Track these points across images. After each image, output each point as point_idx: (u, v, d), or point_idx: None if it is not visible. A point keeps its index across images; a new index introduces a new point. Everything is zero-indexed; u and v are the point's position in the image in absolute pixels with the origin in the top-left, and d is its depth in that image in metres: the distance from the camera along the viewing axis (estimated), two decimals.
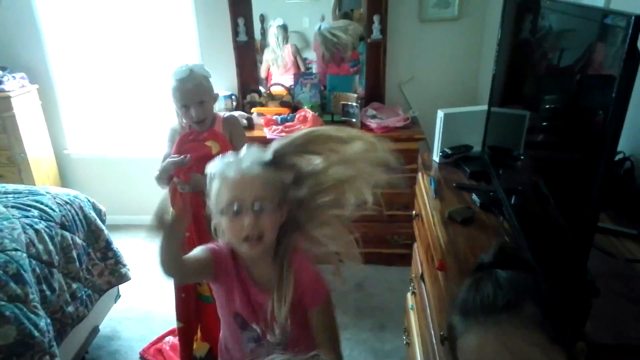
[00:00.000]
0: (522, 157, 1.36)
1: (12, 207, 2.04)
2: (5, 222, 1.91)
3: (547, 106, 1.22)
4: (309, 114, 2.71)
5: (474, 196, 1.41)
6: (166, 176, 1.89)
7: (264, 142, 1.48)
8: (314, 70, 3.11)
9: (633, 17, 0.61)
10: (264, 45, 3.14)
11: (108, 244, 2.34)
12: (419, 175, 1.76)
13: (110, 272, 2.33)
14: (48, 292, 1.89)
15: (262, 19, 3.08)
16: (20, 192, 2.20)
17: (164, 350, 2.33)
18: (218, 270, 1.17)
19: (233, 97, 3.01)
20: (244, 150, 1.15)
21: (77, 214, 2.22)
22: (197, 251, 1.19)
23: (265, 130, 2.74)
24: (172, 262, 1.12)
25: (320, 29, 3.00)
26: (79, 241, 2.16)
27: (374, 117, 2.79)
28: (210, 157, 1.25)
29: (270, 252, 1.15)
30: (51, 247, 1.97)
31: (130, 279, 2.43)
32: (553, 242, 1.01)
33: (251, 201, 1.07)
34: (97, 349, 2.37)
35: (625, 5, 1.40)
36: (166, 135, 1.99)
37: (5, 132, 3.00)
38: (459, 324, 0.73)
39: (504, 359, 0.67)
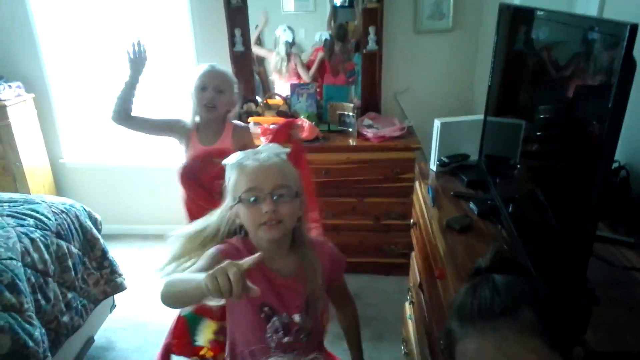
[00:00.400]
0: (518, 166, 1.38)
1: (8, 215, 2.03)
2: (0, 231, 1.89)
3: (542, 116, 1.23)
4: (306, 123, 2.72)
5: (472, 204, 1.42)
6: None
7: None
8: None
9: (629, 26, 0.62)
10: (261, 56, 3.16)
11: (104, 253, 2.33)
12: (417, 184, 1.77)
13: (105, 281, 2.32)
14: (43, 302, 1.88)
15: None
16: (15, 201, 2.19)
17: None
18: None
19: None
20: (262, 144, 1.19)
21: (73, 223, 2.21)
22: (202, 262, 1.11)
23: (262, 139, 2.74)
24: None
25: (321, 38, 3.03)
26: (74, 250, 2.15)
27: (370, 126, 2.81)
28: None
29: (286, 242, 1.17)
30: (46, 256, 1.96)
31: (125, 288, 2.41)
32: (552, 251, 1.01)
33: (270, 189, 1.08)
34: (92, 359, 2.34)
35: (618, 14, 1.43)
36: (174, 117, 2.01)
37: (0, 141, 2.99)
38: (457, 329, 0.73)
39: None
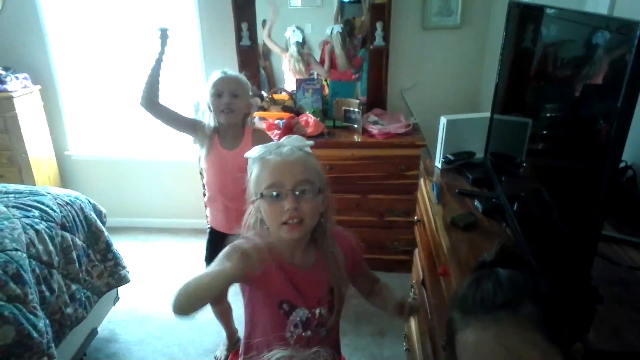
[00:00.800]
0: (524, 164, 1.37)
1: (13, 207, 2.04)
2: (5, 222, 1.90)
3: (549, 114, 1.22)
4: (311, 119, 2.72)
5: (477, 202, 1.41)
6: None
7: None
8: (315, 76, 3.13)
9: None
10: (267, 50, 3.16)
11: (108, 245, 2.34)
12: (421, 181, 1.77)
13: (109, 274, 2.33)
14: (47, 293, 1.89)
15: (265, 23, 3.09)
16: (21, 192, 2.20)
17: None
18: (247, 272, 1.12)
19: None
20: (285, 137, 1.15)
21: (78, 215, 2.22)
22: (216, 262, 1.07)
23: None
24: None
25: (333, 32, 3.02)
26: (79, 242, 2.16)
27: (375, 123, 2.80)
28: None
29: (307, 236, 1.14)
30: (51, 247, 1.97)
31: (129, 281, 2.42)
32: (556, 249, 1.01)
33: (292, 185, 1.05)
34: (95, 351, 2.36)
35: (629, 12, 1.41)
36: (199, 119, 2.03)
37: (6, 132, 3.00)
38: (458, 319, 0.74)
39: (501, 356, 0.67)
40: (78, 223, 2.20)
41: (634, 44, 0.63)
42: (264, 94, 3.09)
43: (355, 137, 2.73)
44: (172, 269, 3.03)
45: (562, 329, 0.70)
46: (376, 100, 3.02)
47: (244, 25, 2.88)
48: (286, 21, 3.09)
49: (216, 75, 1.91)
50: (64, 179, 3.47)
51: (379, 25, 2.83)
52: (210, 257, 1.76)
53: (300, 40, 3.05)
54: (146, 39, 3.22)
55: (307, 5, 3.08)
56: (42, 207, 2.09)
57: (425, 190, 1.66)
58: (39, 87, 3.16)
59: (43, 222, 2.01)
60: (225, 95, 1.86)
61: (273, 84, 3.23)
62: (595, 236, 0.81)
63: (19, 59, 3.14)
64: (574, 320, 0.84)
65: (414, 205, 1.93)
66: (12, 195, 2.16)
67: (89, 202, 2.36)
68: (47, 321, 1.83)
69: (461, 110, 2.22)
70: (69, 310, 2.01)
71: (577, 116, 1.02)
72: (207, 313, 2.56)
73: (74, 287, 2.07)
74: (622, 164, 1.43)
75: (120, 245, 3.09)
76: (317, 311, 1.17)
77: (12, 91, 2.94)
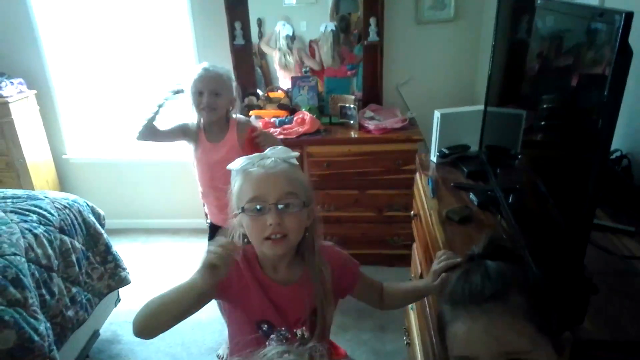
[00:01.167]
0: (519, 156, 1.37)
1: (11, 211, 2.04)
2: (4, 227, 1.91)
3: (542, 105, 1.22)
4: (307, 116, 2.72)
5: (472, 195, 1.41)
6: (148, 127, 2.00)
7: None
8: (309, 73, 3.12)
9: (623, 15, 0.62)
10: (262, 50, 3.15)
11: (107, 247, 2.34)
12: (417, 175, 1.77)
13: (110, 275, 2.34)
14: (48, 297, 1.89)
15: (260, 22, 3.09)
16: (19, 197, 2.20)
17: None
18: (221, 287, 1.05)
19: None
20: (269, 148, 1.10)
21: (76, 218, 2.22)
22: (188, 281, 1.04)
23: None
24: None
25: (326, 29, 3.01)
26: (78, 245, 2.16)
27: (371, 118, 2.80)
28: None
29: (291, 251, 1.10)
30: (50, 251, 1.98)
31: (130, 282, 2.43)
32: (550, 240, 1.01)
33: (275, 199, 1.01)
34: (97, 352, 2.37)
35: (619, 3, 1.41)
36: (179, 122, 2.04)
37: (3, 137, 3.01)
38: (448, 312, 0.75)
39: (491, 346, 0.68)
40: (77, 226, 2.20)
41: (618, 33, 0.63)
42: (260, 92, 3.09)
43: (352, 133, 2.73)
44: (173, 269, 3.03)
45: (551, 319, 0.71)
46: (372, 95, 3.02)
47: (237, 25, 2.88)
48: (281, 18, 3.09)
49: (197, 71, 1.89)
50: (63, 183, 3.48)
51: (372, 20, 2.83)
52: None
53: (290, 34, 3.04)
54: (139, 39, 3.22)
55: (302, 3, 3.07)
56: (40, 211, 2.09)
57: (420, 185, 1.66)
58: (34, 91, 3.16)
59: (41, 226, 2.02)
60: (206, 94, 1.85)
61: (269, 82, 3.23)
62: (586, 224, 0.81)
63: (13, 64, 3.14)
64: (568, 311, 0.84)
65: (412, 200, 1.93)
66: (10, 200, 2.17)
67: (87, 204, 2.37)
68: (48, 324, 1.84)
69: (458, 103, 2.22)
70: (70, 312, 2.01)
71: (569, 107, 1.02)
72: (209, 311, 2.57)
73: (74, 289, 2.08)
74: (618, 153, 1.43)
75: (121, 247, 3.10)
76: (298, 332, 1.12)
77: (7, 96, 2.94)
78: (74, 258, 2.10)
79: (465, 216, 1.29)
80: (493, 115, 1.55)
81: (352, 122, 2.77)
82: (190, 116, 2.01)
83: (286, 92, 3.05)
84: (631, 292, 0.97)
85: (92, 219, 2.33)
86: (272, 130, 2.72)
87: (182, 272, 2.97)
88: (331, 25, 3.00)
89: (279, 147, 1.11)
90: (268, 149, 1.10)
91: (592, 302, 0.91)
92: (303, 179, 1.09)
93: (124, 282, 2.41)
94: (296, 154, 1.10)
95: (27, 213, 2.06)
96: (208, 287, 0.97)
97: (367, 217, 2.79)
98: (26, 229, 1.95)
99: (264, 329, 1.11)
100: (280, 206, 1.01)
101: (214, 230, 2.11)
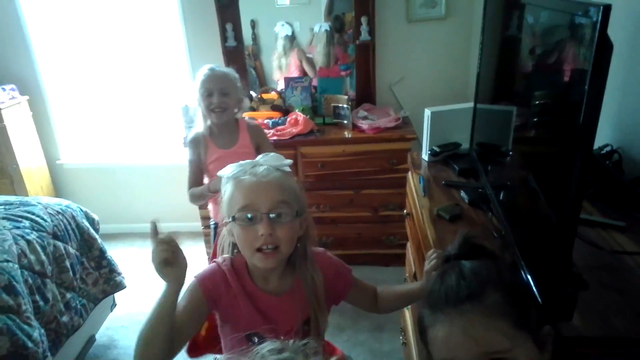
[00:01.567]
0: (510, 153, 1.36)
1: (3, 218, 2.04)
2: None
3: (531, 101, 1.22)
4: (300, 117, 2.71)
5: (463, 193, 1.41)
6: (203, 201, 1.95)
7: None
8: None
9: (602, 7, 0.61)
10: (257, 50, 3.14)
11: (102, 252, 2.34)
12: (409, 174, 1.76)
13: (105, 280, 2.33)
14: (41, 303, 1.88)
15: (253, 24, 3.08)
16: (11, 203, 2.19)
17: None
18: (211, 300, 1.05)
19: None
20: (261, 155, 1.08)
21: (70, 224, 2.21)
22: (186, 301, 1.03)
23: None
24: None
25: (320, 30, 3.00)
26: (72, 251, 2.16)
27: (365, 118, 2.79)
28: None
29: (283, 262, 1.08)
30: (43, 257, 1.97)
31: (125, 287, 2.42)
32: (539, 237, 1.00)
33: (267, 208, 0.98)
34: (93, 358, 2.36)
35: None
36: (187, 140, 1.98)
37: None
38: (427, 316, 0.75)
39: (470, 348, 0.68)
40: (70, 231, 2.19)
41: (597, 26, 0.63)
42: (253, 93, 3.09)
43: (346, 133, 2.73)
44: None
45: (528, 314, 0.70)
46: (365, 95, 3.01)
47: (229, 26, 2.87)
48: (274, 19, 3.08)
49: (203, 72, 1.87)
50: (57, 189, 3.46)
51: (363, 19, 2.82)
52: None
53: (290, 34, 3.03)
54: (130, 42, 3.22)
55: (295, 3, 3.07)
56: (33, 217, 2.08)
57: (412, 183, 1.66)
58: (27, 97, 3.15)
59: (34, 232, 2.01)
60: (216, 94, 1.83)
61: (264, 83, 3.22)
62: (573, 220, 0.80)
63: (4, 70, 3.13)
64: (556, 307, 0.84)
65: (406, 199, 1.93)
66: (2, 206, 2.16)
67: (81, 209, 2.36)
68: (42, 330, 1.83)
69: (450, 101, 2.21)
70: (65, 318, 2.00)
71: (556, 101, 1.02)
72: None
73: (68, 295, 2.07)
74: (608, 148, 1.43)
75: (117, 251, 3.10)
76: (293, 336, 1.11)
77: None
78: (67, 263, 2.09)
79: (456, 214, 1.29)
80: (483, 112, 1.55)
81: (345, 122, 2.77)
82: (197, 125, 1.96)
83: (279, 93, 3.04)
84: (621, 288, 0.97)
85: (86, 224, 2.32)
86: (265, 131, 2.71)
87: None
88: (325, 26, 2.99)
89: (272, 154, 1.09)
90: (260, 156, 1.07)
91: (582, 298, 0.91)
92: (296, 187, 1.05)
93: (119, 286, 2.40)
94: (289, 161, 1.07)
95: (20, 219, 2.05)
96: (177, 286, 0.96)
97: (362, 217, 2.79)
98: (19, 235, 1.95)
99: (255, 341, 1.08)
100: (272, 215, 0.98)
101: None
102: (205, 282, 1.07)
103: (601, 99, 0.69)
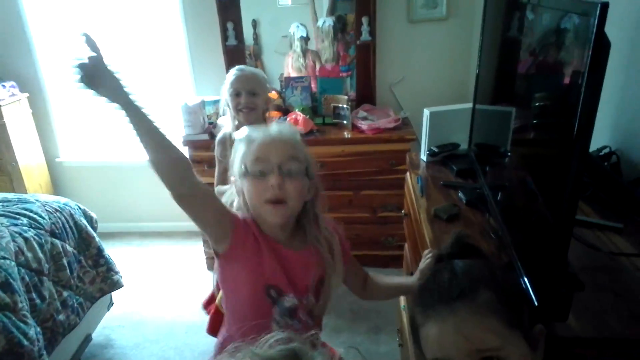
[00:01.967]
0: (509, 154, 1.36)
1: (1, 215, 2.03)
2: None
3: (530, 102, 1.21)
4: (300, 116, 2.70)
5: (460, 194, 1.40)
6: None
7: None
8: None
9: (599, 5, 0.61)
10: (258, 50, 3.14)
11: (99, 251, 2.33)
12: (408, 174, 1.76)
13: (102, 279, 2.32)
14: (38, 301, 1.88)
15: (255, 23, 3.08)
16: (9, 201, 2.19)
17: None
18: (236, 238, 1.06)
19: None
20: (274, 122, 1.12)
21: (68, 222, 2.21)
22: (221, 204, 1.07)
23: None
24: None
25: (325, 24, 2.99)
26: (69, 249, 2.15)
27: (365, 118, 2.79)
28: None
29: (291, 221, 1.10)
30: (41, 255, 1.96)
31: (122, 286, 2.42)
32: (535, 237, 1.00)
33: (279, 161, 1.02)
34: (90, 357, 2.35)
35: None
36: (216, 139, 1.97)
37: None
38: (419, 315, 0.74)
39: (462, 346, 0.67)
40: (68, 229, 2.19)
41: (595, 24, 0.62)
42: None
43: (345, 133, 2.72)
44: (167, 272, 3.02)
45: (520, 313, 0.70)
46: (365, 95, 3.01)
47: (230, 25, 2.87)
48: (276, 20, 3.08)
49: (232, 72, 1.90)
50: (56, 186, 3.46)
51: (364, 20, 2.82)
52: None
53: (305, 35, 3.03)
54: (131, 40, 3.22)
55: (297, 4, 3.06)
56: (31, 214, 2.08)
57: (411, 184, 1.65)
58: (27, 94, 3.15)
59: (32, 230, 2.01)
60: (244, 94, 1.85)
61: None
62: (569, 219, 0.80)
63: (5, 68, 3.13)
64: (552, 307, 0.83)
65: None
66: (0, 204, 2.15)
67: (79, 208, 2.36)
68: (39, 329, 1.82)
69: (451, 102, 2.21)
70: (61, 317, 2.00)
71: (554, 102, 1.01)
72: (203, 316, 2.56)
73: (65, 293, 2.06)
74: (607, 150, 1.42)
75: (115, 250, 3.09)
76: (305, 300, 1.12)
77: None
78: (65, 261, 2.09)
79: (453, 214, 1.28)
80: (482, 113, 1.54)
81: (345, 122, 2.76)
82: (225, 125, 1.99)
83: (279, 93, 3.04)
84: (618, 289, 0.96)
85: (84, 222, 2.31)
86: None
87: (176, 275, 2.98)
88: (329, 20, 2.96)
89: (285, 122, 1.13)
90: (273, 123, 1.11)
91: (579, 299, 0.90)
92: (307, 151, 1.09)
93: (117, 285, 2.39)
94: (301, 129, 1.13)
95: (18, 216, 2.04)
96: (121, 98, 1.01)
97: (361, 217, 2.78)
98: (16, 232, 1.94)
99: (272, 294, 1.09)
100: (283, 170, 1.02)
101: None
102: (239, 224, 1.07)
103: (598, 97, 0.68)
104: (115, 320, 2.57)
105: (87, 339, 2.31)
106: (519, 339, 0.68)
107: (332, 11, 3.03)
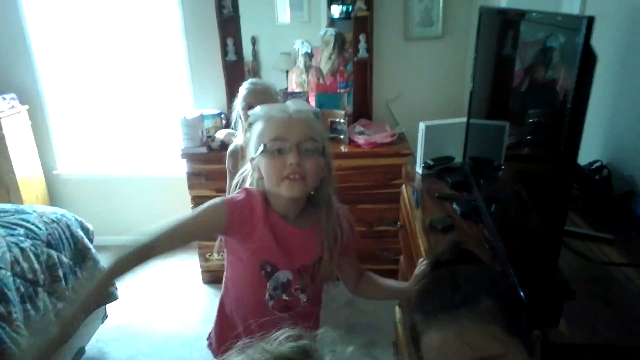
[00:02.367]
0: (502, 167, 1.38)
1: None
2: None
3: (520, 117, 1.24)
4: None
5: (455, 205, 1.42)
6: None
7: None
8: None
9: (585, 19, 0.64)
10: (256, 66, 3.18)
11: (95, 263, 2.33)
12: (403, 187, 1.78)
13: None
14: (32, 312, 1.87)
15: (254, 40, 3.13)
16: (6, 211, 2.19)
17: None
18: (233, 221, 1.08)
19: (222, 115, 3.04)
20: (290, 100, 1.16)
21: (64, 233, 2.21)
22: (203, 215, 1.09)
23: None
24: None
25: (327, 34, 3.04)
26: (65, 260, 2.15)
27: (361, 133, 2.82)
28: None
29: (304, 198, 1.13)
30: (36, 265, 1.96)
31: (117, 298, 2.41)
32: (528, 247, 1.02)
33: (297, 140, 1.04)
34: None
35: (599, 10, 1.45)
36: (228, 151, 2.01)
37: None
38: (420, 322, 0.74)
39: (465, 354, 0.68)
40: (64, 240, 2.19)
41: (581, 37, 0.65)
42: None
43: (342, 147, 2.75)
44: (162, 285, 3.01)
45: (520, 319, 0.71)
46: (362, 111, 3.05)
47: (230, 41, 2.92)
48: (275, 37, 3.13)
49: (245, 86, 1.94)
50: (53, 199, 3.46)
51: (362, 37, 2.87)
52: None
53: (309, 51, 3.08)
54: (131, 54, 3.26)
55: (295, 21, 3.12)
56: (28, 225, 2.08)
57: (406, 196, 1.67)
58: (27, 107, 3.17)
59: (28, 240, 2.01)
60: (255, 107, 1.87)
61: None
62: (558, 228, 0.81)
63: (5, 80, 3.15)
64: (543, 314, 0.84)
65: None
66: None
67: (76, 219, 2.36)
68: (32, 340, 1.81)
69: (445, 118, 2.24)
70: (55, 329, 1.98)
71: (544, 115, 1.04)
72: (197, 329, 2.55)
73: (59, 305, 2.05)
74: (598, 164, 1.45)
75: None
76: (301, 277, 1.15)
77: None
78: (60, 273, 2.09)
79: (448, 225, 1.30)
80: (476, 127, 1.57)
81: (342, 136, 2.80)
82: (238, 137, 2.01)
83: None
84: (609, 298, 0.97)
85: (81, 233, 2.32)
86: None
87: (171, 289, 2.96)
88: (331, 30, 3.00)
89: (300, 101, 1.18)
90: (289, 101, 1.14)
91: (570, 307, 0.91)
92: (322, 129, 1.14)
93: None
94: (317, 109, 1.17)
95: (14, 227, 2.05)
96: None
97: (357, 231, 2.78)
98: (13, 242, 1.94)
99: (267, 269, 1.12)
100: (301, 149, 1.05)
101: None
102: (235, 208, 1.09)
103: (585, 111, 0.71)
104: (109, 333, 2.55)
105: (81, 351, 2.30)
106: (519, 345, 0.69)
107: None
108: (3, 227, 2.03)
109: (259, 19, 3.06)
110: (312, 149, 1.06)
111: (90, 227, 2.44)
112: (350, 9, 2.94)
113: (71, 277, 2.17)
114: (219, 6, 2.82)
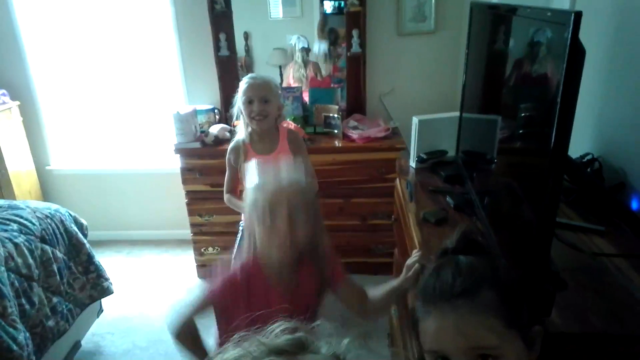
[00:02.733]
0: (494, 161, 1.40)
1: None
2: None
3: (512, 110, 1.26)
4: (291, 126, 2.74)
5: (448, 198, 1.44)
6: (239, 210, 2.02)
7: None
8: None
9: (573, 14, 0.65)
10: (249, 61, 3.18)
11: (90, 257, 2.33)
12: (397, 180, 1.79)
13: (92, 286, 2.32)
14: (27, 306, 1.87)
15: (247, 36, 3.12)
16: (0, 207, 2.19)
17: None
18: (220, 308, 1.22)
19: (215, 110, 3.03)
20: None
21: (58, 228, 2.21)
22: (196, 307, 1.23)
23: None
24: None
25: (320, 50, 3.08)
26: (59, 255, 2.15)
27: (355, 128, 2.83)
28: None
29: (294, 255, 1.20)
30: (31, 260, 1.96)
31: (112, 292, 2.41)
32: (520, 238, 1.03)
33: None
34: None
35: (589, 5, 1.46)
36: (229, 146, 2.02)
37: None
38: (420, 309, 0.75)
39: (459, 343, 0.69)
40: (58, 236, 2.19)
41: (569, 32, 0.67)
42: None
43: (336, 142, 2.76)
44: (156, 280, 3.01)
45: (520, 313, 0.72)
46: (356, 105, 3.05)
47: (222, 36, 2.91)
48: (268, 32, 3.13)
49: (245, 81, 1.93)
50: (46, 194, 3.45)
51: (355, 32, 2.88)
52: None
53: (306, 46, 3.08)
54: (123, 49, 3.24)
55: (288, 17, 3.12)
56: (21, 220, 2.08)
57: (400, 189, 1.69)
58: (18, 102, 3.15)
59: (22, 236, 2.00)
60: (256, 102, 1.87)
61: None
62: (550, 219, 0.83)
63: None
64: (535, 304, 0.86)
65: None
66: None
67: (70, 214, 2.36)
68: (28, 334, 1.82)
69: (439, 112, 2.25)
70: (51, 323, 1.99)
71: (534, 109, 1.06)
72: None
73: (55, 299, 2.06)
74: (589, 156, 1.47)
75: (105, 258, 3.07)
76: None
77: None
78: (55, 267, 2.09)
79: (441, 218, 1.32)
80: (469, 121, 1.59)
81: (336, 131, 2.80)
82: (239, 132, 2.02)
83: None
84: (599, 288, 1.00)
85: (75, 228, 2.31)
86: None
87: (166, 283, 2.97)
88: (324, 47, 3.06)
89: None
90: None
91: (562, 298, 0.93)
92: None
93: (107, 292, 2.39)
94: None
95: (8, 222, 2.04)
96: None
97: (351, 225, 2.81)
98: (6, 238, 1.94)
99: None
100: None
101: None
102: (218, 296, 1.21)
103: (574, 104, 0.72)
104: (105, 327, 2.56)
105: (77, 345, 2.30)
106: (516, 338, 0.70)
107: (323, 25, 3.09)
108: None
109: (251, 14, 3.06)
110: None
111: (84, 222, 2.44)
112: (342, 4, 2.95)
113: (65, 272, 2.17)
114: (211, 1, 2.81)
